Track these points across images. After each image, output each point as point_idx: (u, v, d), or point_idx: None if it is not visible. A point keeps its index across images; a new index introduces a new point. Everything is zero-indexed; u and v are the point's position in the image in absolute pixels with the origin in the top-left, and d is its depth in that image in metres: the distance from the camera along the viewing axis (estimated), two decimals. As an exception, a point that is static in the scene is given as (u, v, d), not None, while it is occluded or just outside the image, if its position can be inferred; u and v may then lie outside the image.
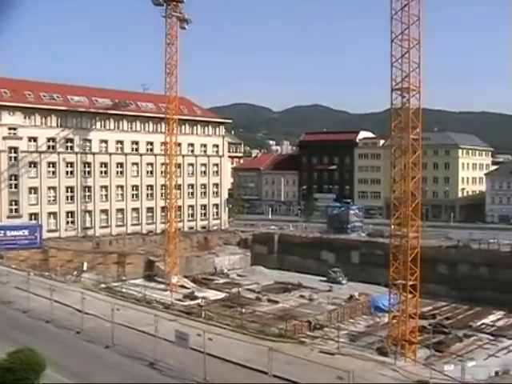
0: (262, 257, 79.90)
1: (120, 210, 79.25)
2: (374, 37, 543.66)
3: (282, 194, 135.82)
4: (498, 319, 53.93)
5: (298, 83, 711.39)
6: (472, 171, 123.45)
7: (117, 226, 78.71)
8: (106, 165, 77.41)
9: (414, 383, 23.12)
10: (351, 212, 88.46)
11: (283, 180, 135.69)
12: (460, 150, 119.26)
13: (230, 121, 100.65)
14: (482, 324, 51.93)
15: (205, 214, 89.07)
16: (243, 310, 46.99)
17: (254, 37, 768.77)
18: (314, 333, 42.44)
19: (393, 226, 39.31)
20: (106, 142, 77.51)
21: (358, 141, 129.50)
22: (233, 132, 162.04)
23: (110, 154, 77.77)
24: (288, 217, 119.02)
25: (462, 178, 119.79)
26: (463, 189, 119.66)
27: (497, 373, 26.66)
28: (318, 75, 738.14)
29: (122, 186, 79.14)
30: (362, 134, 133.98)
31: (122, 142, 79.24)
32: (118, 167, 78.85)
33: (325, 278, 68.94)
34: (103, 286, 46.99)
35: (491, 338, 47.25)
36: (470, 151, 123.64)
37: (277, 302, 57.99)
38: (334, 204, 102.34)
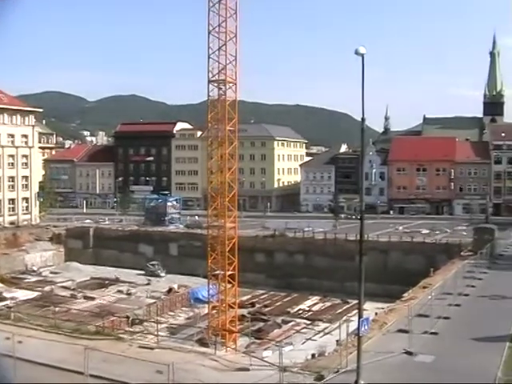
0: (76, 252, 76.71)
1: None
2: (192, 28, 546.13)
3: (98, 186, 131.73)
4: (314, 304, 56.64)
5: (114, 72, 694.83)
6: (287, 162, 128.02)
7: None
8: None
9: (234, 371, 23.28)
10: (169, 204, 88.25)
11: (98, 172, 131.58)
12: (276, 142, 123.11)
13: (41, 110, 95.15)
14: (299, 310, 54.21)
15: (13, 209, 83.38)
16: (57, 309, 44.59)
17: (68, 23, 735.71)
18: (133, 328, 41.57)
19: (210, 217, 39.52)
20: None
21: (175, 132, 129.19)
22: (44, 122, 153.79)
23: None
24: (104, 210, 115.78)
25: (278, 169, 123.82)
26: (279, 179, 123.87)
27: (313, 355, 27.77)
28: (135, 65, 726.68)
29: None
30: (180, 125, 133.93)
31: None
32: None
33: (143, 272, 67.86)
34: None
35: (308, 322, 49.50)
36: (285, 143, 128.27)
37: (93, 299, 55.96)
38: (151, 196, 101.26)
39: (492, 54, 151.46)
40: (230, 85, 38.08)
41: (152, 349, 26.01)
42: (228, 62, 37.62)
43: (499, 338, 22.18)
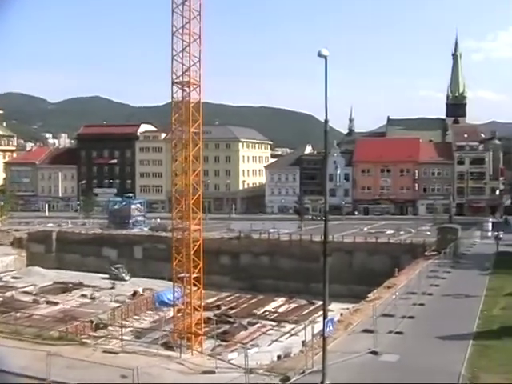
0: (39, 256, 75.44)
1: None
2: (155, 29, 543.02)
3: (60, 189, 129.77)
4: (280, 306, 56.68)
5: (76, 73, 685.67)
6: (252, 164, 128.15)
7: None
8: None
9: (200, 374, 23.14)
10: (133, 206, 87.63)
11: (61, 175, 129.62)
12: (240, 144, 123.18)
13: (1, 111, 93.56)
14: (265, 311, 54.17)
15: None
16: (18, 315, 43.74)
17: (28, 22, 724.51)
18: (97, 333, 40.87)
19: (175, 220, 39.25)
20: None
21: (139, 134, 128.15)
22: (4, 124, 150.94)
23: None
24: (67, 213, 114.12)
25: (243, 171, 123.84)
26: (244, 181, 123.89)
27: (279, 356, 27.76)
28: (98, 66, 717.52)
29: None
30: (144, 127, 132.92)
31: None
32: None
33: (107, 276, 67.10)
34: None
35: (274, 324, 49.48)
36: (250, 144, 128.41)
37: (56, 304, 55.07)
38: (115, 199, 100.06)
39: (454, 56, 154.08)
40: (194, 86, 37.89)
41: (116, 353, 25.71)
42: (192, 63, 37.41)
43: (463, 336, 22.43)
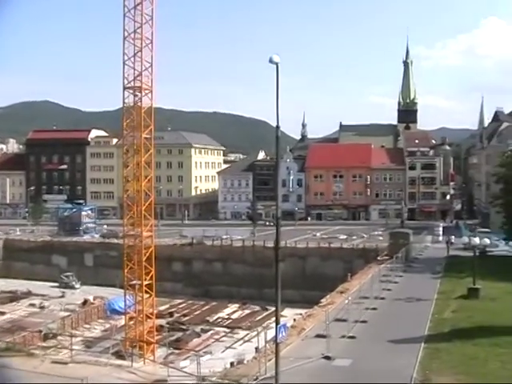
0: (-15, 265, 73.40)
1: None
2: (107, 33, 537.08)
3: (8, 195, 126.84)
4: (233, 312, 56.49)
5: (25, 77, 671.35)
6: (205, 170, 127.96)
7: None
8: None
9: (152, 383, 22.82)
10: (83, 213, 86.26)
11: (9, 181, 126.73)
12: (193, 149, 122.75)
13: None
14: (218, 318, 53.90)
15: None
16: (-37, 326, 42.52)
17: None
18: (46, 343, 39.95)
19: (126, 226, 38.71)
20: None
21: (89, 139, 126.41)
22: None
23: None
24: (14, 220, 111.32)
25: (196, 177, 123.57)
26: (197, 187, 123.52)
27: (232, 363, 27.60)
28: (48, 69, 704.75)
29: None
30: (95, 133, 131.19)
31: None
32: None
33: (57, 284, 65.74)
34: None
35: (227, 330, 49.24)
36: (203, 150, 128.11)
37: (3, 314, 53.65)
38: (65, 205, 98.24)
39: (405, 63, 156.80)
40: (146, 91, 37.47)
41: (66, 363, 25.21)
42: (144, 68, 36.98)
43: (414, 339, 22.66)
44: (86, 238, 79.23)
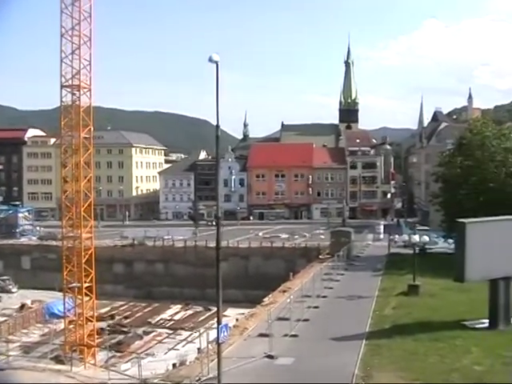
0: None
1: None
2: (43, 30, 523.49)
3: None
4: (176, 313, 56.16)
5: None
6: (146, 170, 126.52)
7: None
8: None
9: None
10: (20, 215, 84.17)
11: None
12: (134, 149, 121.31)
13: None
14: (161, 319, 53.49)
15: None
16: None
17: None
18: (-19, 350, 38.72)
19: (65, 228, 37.94)
20: None
21: (26, 139, 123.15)
22: None
23: None
24: None
25: (137, 177, 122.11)
26: (138, 187, 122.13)
27: (174, 365, 27.38)
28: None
29: None
30: (31, 132, 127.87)
31: None
32: None
33: (-8, 288, 63.82)
34: None
35: (170, 332, 48.87)
36: (144, 150, 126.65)
37: None
38: (1, 207, 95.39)
39: (347, 63, 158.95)
40: (85, 90, 36.90)
41: (2, 370, 24.50)
42: (82, 66, 36.40)
43: (356, 336, 22.89)
44: (23, 240, 77.30)
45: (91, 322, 37.45)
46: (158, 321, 52.85)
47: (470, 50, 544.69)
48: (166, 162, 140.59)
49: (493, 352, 19.77)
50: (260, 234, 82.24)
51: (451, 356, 19.58)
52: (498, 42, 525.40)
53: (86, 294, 36.71)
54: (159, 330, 49.29)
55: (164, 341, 45.99)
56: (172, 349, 42.92)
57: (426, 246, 45.91)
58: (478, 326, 23.36)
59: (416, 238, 35.30)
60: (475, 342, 21.00)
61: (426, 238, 37.40)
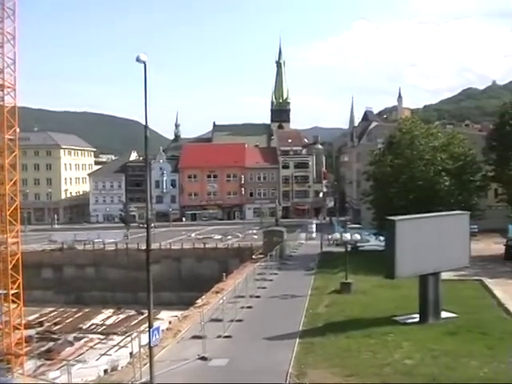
0: None
1: None
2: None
3: None
4: (108, 317, 55.28)
5: None
6: (75, 172, 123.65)
7: None
8: None
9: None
10: None
11: None
12: (62, 151, 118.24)
13: None
14: (92, 325, 52.55)
15: None
16: None
17: None
18: None
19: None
20: None
21: None
22: None
23: None
24: None
25: (65, 179, 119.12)
26: (66, 190, 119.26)
27: (106, 370, 26.86)
28: None
29: None
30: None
31: None
32: None
33: None
34: None
35: (102, 337, 47.96)
36: (73, 151, 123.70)
37: None
38: None
39: (278, 64, 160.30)
40: (9, 90, 35.90)
41: None
42: (6, 65, 35.32)
43: (290, 335, 23.00)
44: None
45: (19, 329, 36.38)
46: (89, 326, 51.91)
47: (399, 50, 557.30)
48: (96, 163, 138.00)
49: (423, 346, 20.29)
50: (193, 235, 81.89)
51: (383, 351, 19.97)
52: (425, 43, 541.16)
53: (13, 301, 35.71)
54: (91, 336, 48.44)
55: (96, 346, 45.20)
56: (104, 354, 42.22)
57: (358, 244, 46.72)
58: (408, 321, 23.90)
59: (348, 236, 35.72)
60: (406, 337, 21.50)
61: (357, 236, 37.98)
